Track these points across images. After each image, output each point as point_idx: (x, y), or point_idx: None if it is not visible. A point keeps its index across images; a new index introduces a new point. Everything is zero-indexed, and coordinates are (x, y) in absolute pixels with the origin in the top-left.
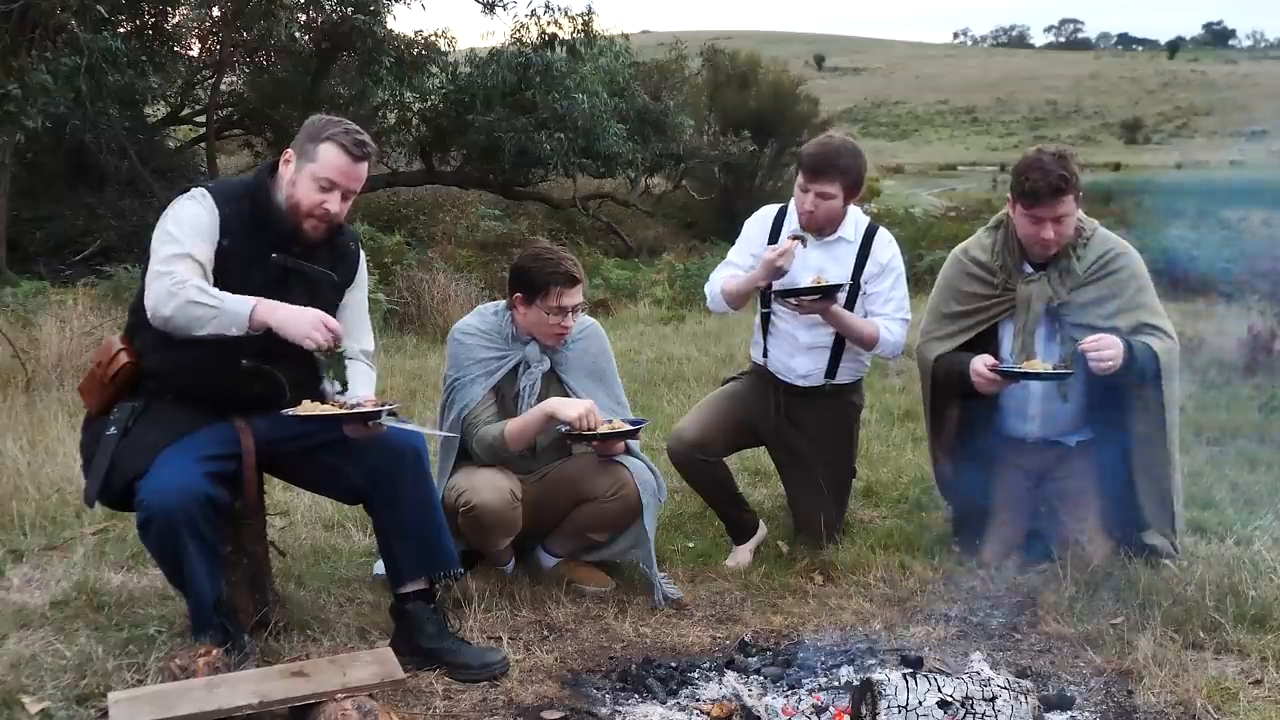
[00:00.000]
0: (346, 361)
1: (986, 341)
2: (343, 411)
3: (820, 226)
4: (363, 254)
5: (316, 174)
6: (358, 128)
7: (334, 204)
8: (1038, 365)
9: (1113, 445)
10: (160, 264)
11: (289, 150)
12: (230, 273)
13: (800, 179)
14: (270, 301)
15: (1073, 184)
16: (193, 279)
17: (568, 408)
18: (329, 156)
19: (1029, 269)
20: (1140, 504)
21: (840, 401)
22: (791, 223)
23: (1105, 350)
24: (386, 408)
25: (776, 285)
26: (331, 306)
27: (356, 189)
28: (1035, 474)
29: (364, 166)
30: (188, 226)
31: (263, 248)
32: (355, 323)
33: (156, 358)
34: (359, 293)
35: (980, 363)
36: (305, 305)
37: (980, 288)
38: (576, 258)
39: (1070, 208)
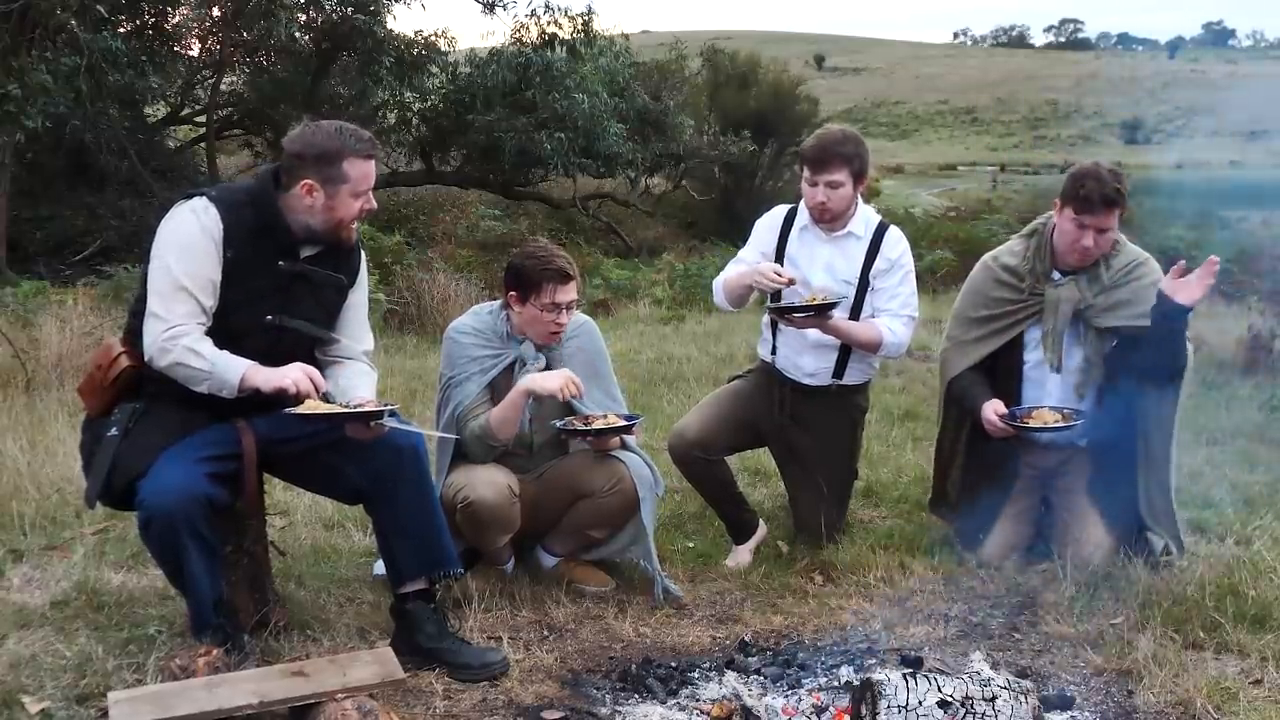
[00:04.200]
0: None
1: (1011, 348)
2: (344, 410)
3: (835, 217)
4: (364, 254)
5: (355, 190)
6: (354, 127)
7: (371, 201)
8: (1046, 417)
9: (1122, 445)
10: (156, 303)
11: (306, 181)
12: (236, 282)
13: (806, 174)
14: (261, 368)
15: (1122, 201)
16: (189, 332)
17: (546, 381)
18: (358, 170)
19: (1058, 275)
20: (1142, 503)
21: (845, 402)
22: (802, 222)
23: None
24: (388, 408)
25: (772, 300)
26: (335, 308)
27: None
28: (1044, 472)
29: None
30: (184, 251)
31: (268, 255)
32: (356, 323)
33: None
34: (360, 293)
35: (990, 410)
36: (311, 308)
37: (1008, 293)
38: (572, 256)
39: (1114, 223)
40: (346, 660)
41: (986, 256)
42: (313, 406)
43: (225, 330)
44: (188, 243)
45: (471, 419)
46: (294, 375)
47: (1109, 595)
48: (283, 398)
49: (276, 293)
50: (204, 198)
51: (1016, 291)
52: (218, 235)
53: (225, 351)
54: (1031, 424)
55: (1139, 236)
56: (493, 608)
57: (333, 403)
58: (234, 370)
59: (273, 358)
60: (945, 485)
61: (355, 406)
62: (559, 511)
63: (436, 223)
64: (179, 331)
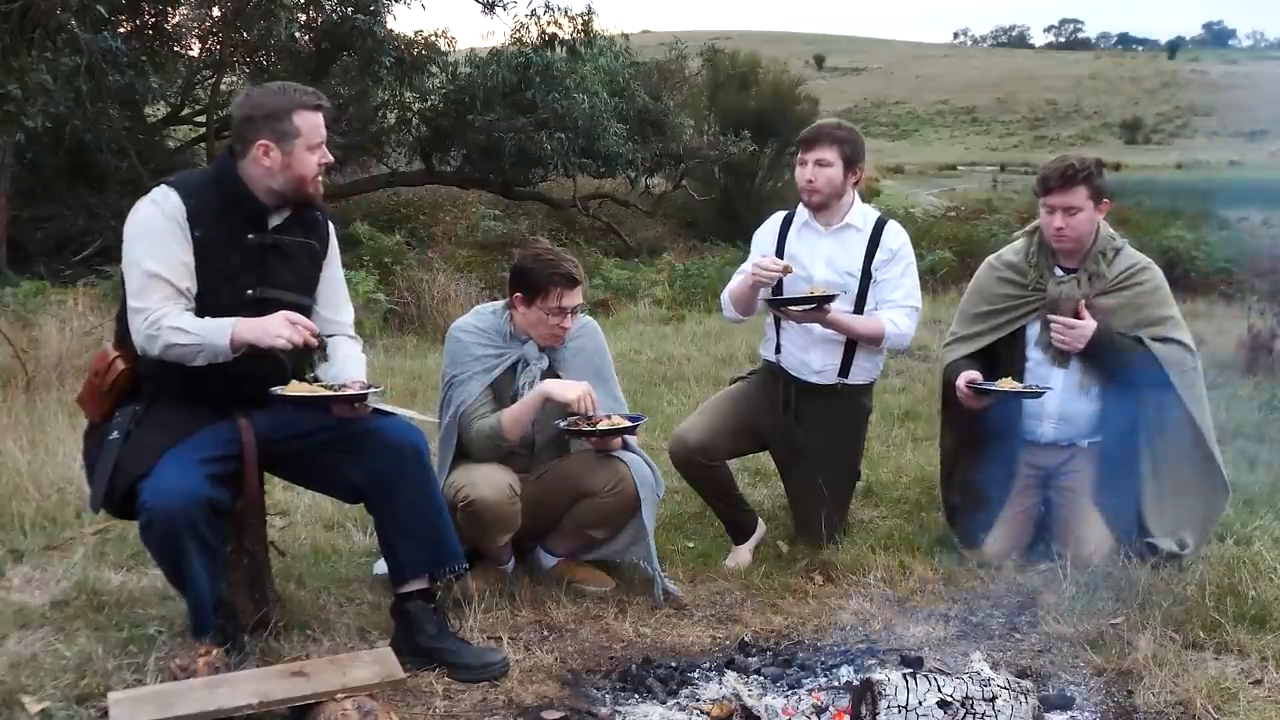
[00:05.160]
0: (329, 346)
1: (1013, 343)
2: (329, 393)
3: (824, 200)
4: (331, 225)
5: (310, 143)
6: (295, 84)
7: (327, 155)
8: (1006, 384)
9: (1124, 446)
10: (133, 297)
11: (261, 142)
12: (210, 261)
13: (798, 155)
14: (245, 320)
15: (1083, 178)
16: (169, 313)
17: (565, 389)
18: (309, 122)
19: (1060, 272)
20: (1148, 507)
21: (851, 403)
22: (801, 220)
23: (1073, 331)
24: (373, 390)
25: (770, 293)
26: (312, 277)
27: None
28: (1044, 472)
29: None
30: (150, 241)
31: (236, 230)
32: (333, 295)
33: (153, 360)
34: (333, 266)
35: (961, 380)
36: (288, 278)
37: (1010, 289)
38: (577, 259)
39: (1081, 201)
40: (346, 660)
41: (990, 257)
42: (298, 387)
43: (209, 311)
44: (152, 231)
45: (476, 418)
46: (285, 332)
47: (1109, 595)
48: (277, 371)
49: (252, 267)
50: (163, 186)
51: (1019, 287)
52: (181, 218)
53: (207, 318)
54: (995, 386)
55: (1138, 237)
56: (493, 608)
57: (320, 382)
58: (221, 332)
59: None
60: (946, 476)
61: (341, 388)
62: (559, 510)
63: (436, 223)
64: (159, 314)
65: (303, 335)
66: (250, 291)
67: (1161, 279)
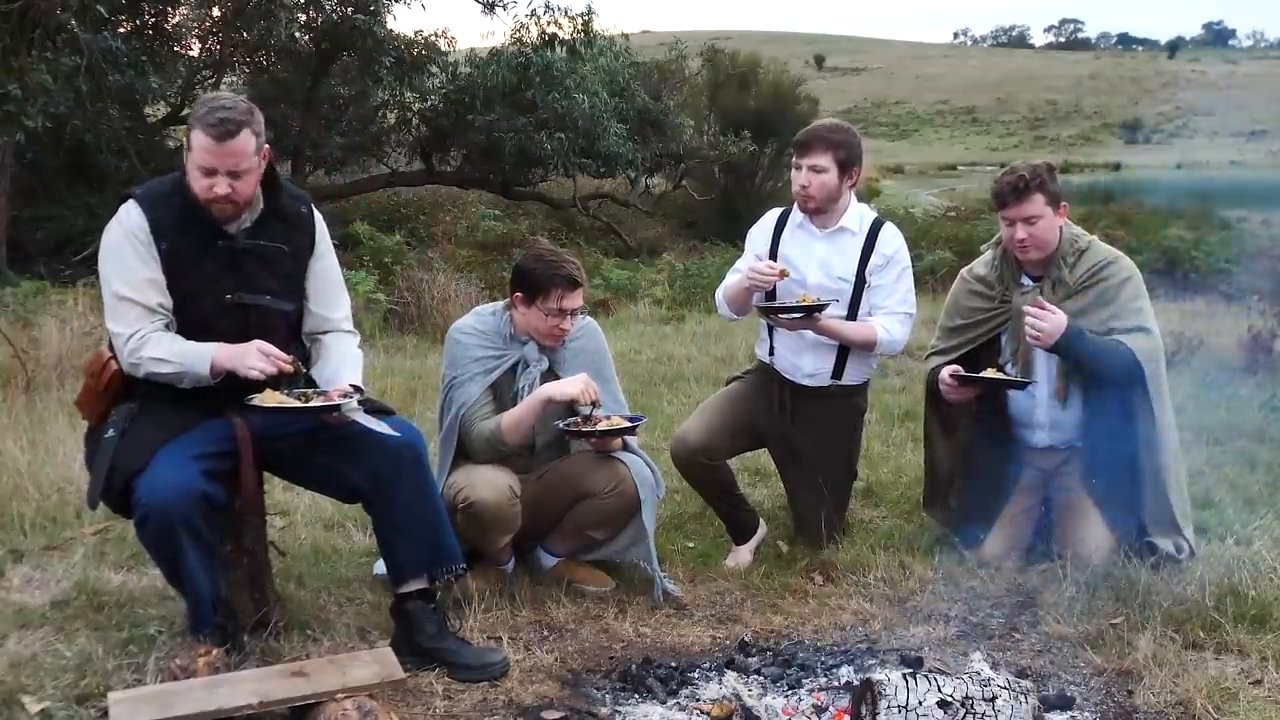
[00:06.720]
0: (326, 345)
1: (990, 352)
2: (299, 405)
3: (818, 206)
4: (319, 217)
5: (197, 163)
6: (224, 102)
7: (221, 187)
8: (990, 374)
9: (1116, 446)
10: (108, 319)
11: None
12: (182, 272)
13: (793, 160)
14: (225, 348)
15: (1035, 186)
16: (146, 338)
17: (565, 387)
18: (197, 142)
19: (1027, 281)
20: (1142, 506)
21: (845, 403)
22: (796, 220)
23: (1043, 322)
24: (350, 400)
25: (763, 297)
26: (296, 278)
27: (242, 165)
28: (1044, 472)
29: (236, 142)
30: (116, 262)
31: (207, 236)
32: (326, 291)
33: None
34: (324, 260)
35: (945, 371)
36: (268, 281)
37: (981, 302)
38: (577, 259)
39: (1039, 209)
40: (346, 660)
41: (963, 269)
42: (271, 398)
43: (194, 319)
44: (116, 252)
45: (478, 420)
46: (259, 364)
47: (1109, 595)
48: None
49: (228, 271)
50: (129, 200)
51: (988, 300)
52: (144, 233)
53: (189, 344)
54: (980, 375)
55: (1139, 237)
56: (493, 608)
57: (315, 385)
58: (201, 360)
59: (249, 338)
60: (935, 486)
61: (319, 395)
62: (559, 511)
63: (436, 223)
64: (137, 342)
65: (276, 366)
66: (229, 297)
67: (1131, 270)
